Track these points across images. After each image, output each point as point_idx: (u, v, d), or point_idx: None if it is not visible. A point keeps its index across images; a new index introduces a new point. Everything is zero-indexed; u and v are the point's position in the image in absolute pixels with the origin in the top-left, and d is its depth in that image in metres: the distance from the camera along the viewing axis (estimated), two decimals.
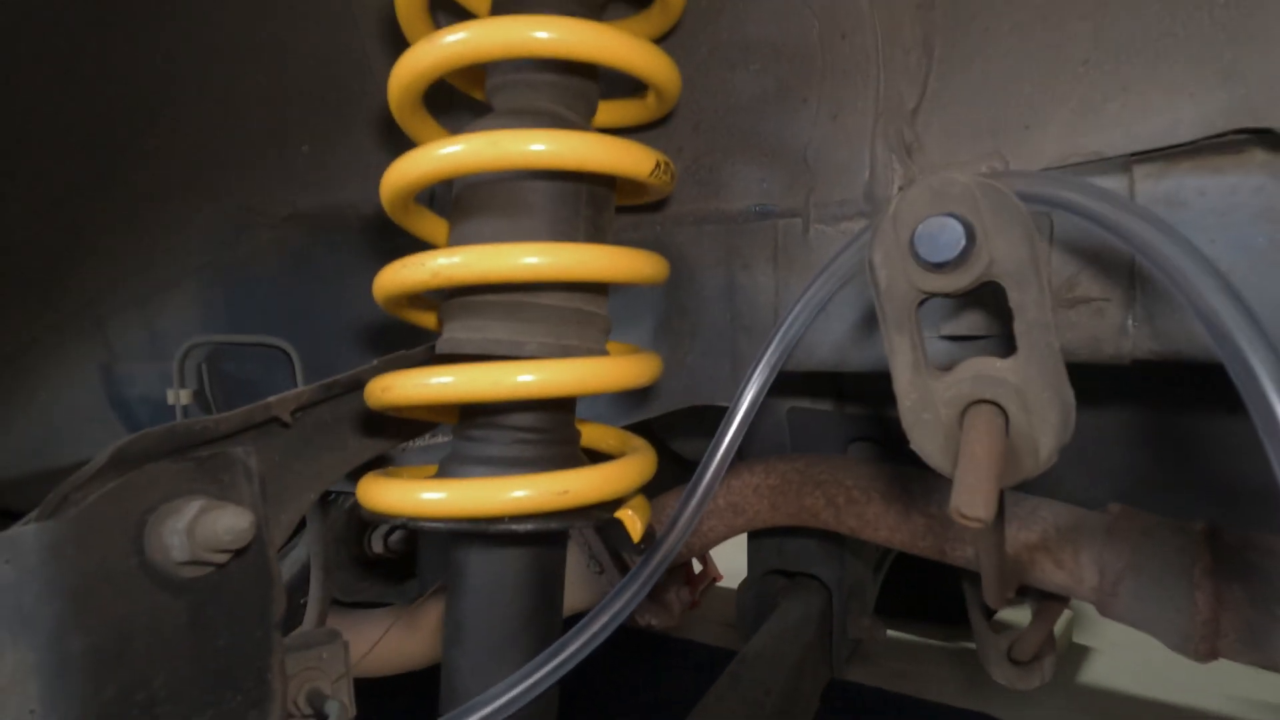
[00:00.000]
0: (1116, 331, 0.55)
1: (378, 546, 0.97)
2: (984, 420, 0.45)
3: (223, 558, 0.50)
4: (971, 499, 0.41)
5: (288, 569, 0.92)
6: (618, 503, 0.57)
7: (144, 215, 0.95)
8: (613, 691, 2.21)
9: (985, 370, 0.46)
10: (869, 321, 0.69)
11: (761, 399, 0.58)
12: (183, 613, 0.50)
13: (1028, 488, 0.85)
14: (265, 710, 0.53)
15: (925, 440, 0.48)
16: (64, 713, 0.45)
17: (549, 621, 0.57)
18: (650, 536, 0.60)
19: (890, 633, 2.64)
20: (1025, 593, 0.86)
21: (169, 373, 0.91)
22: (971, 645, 0.92)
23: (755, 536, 1.17)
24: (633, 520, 0.56)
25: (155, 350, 0.95)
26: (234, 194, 0.93)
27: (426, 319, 0.65)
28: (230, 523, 0.49)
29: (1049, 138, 0.56)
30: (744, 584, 1.19)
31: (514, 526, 0.50)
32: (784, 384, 1.03)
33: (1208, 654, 0.68)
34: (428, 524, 0.51)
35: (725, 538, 0.99)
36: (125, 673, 0.47)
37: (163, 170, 0.93)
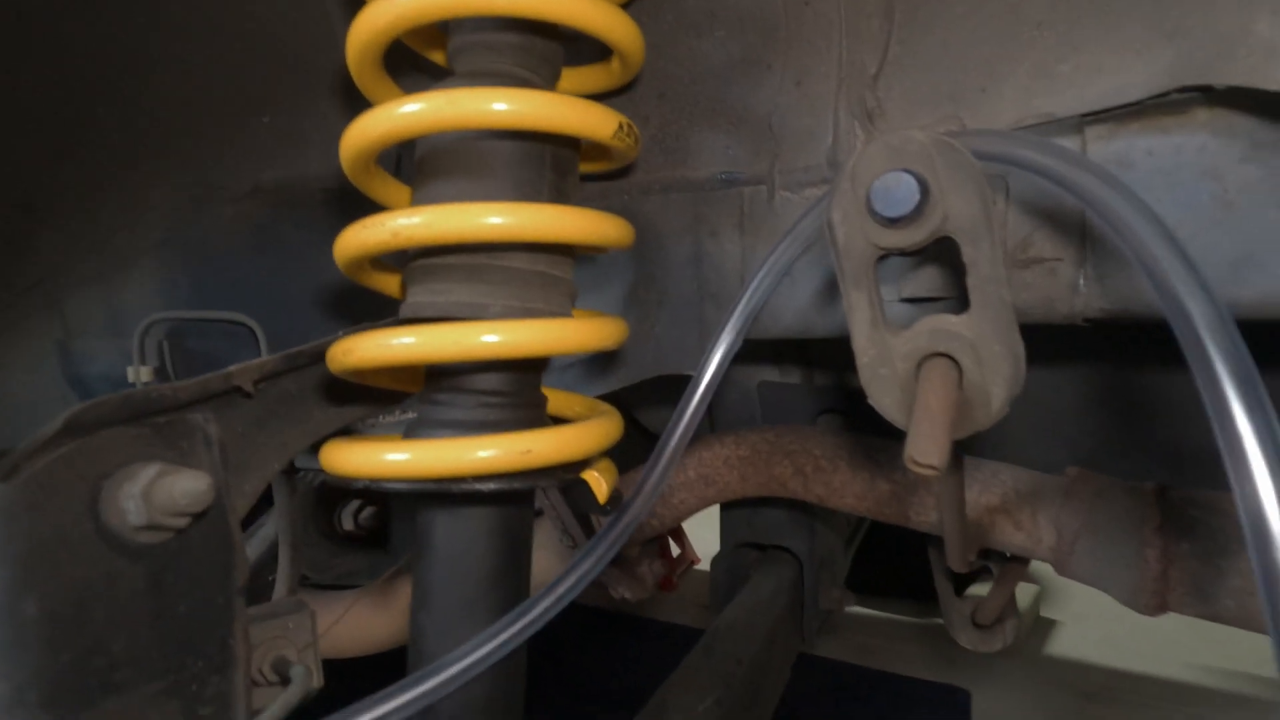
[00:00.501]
0: (1069, 290, 0.56)
1: (348, 524, 0.96)
2: (938, 373, 0.46)
3: (181, 522, 0.50)
4: (925, 447, 0.42)
5: (256, 546, 0.91)
6: (584, 465, 0.58)
7: (100, 190, 0.92)
8: (591, 673, 2.23)
9: (940, 325, 0.47)
10: (832, 288, 0.70)
11: (729, 362, 0.59)
12: (141, 579, 0.50)
13: (990, 453, 0.87)
14: (228, 676, 0.52)
15: (882, 395, 0.49)
16: (19, 678, 0.44)
17: (516, 585, 0.58)
18: (617, 499, 0.60)
19: (862, 610, 2.69)
20: (988, 556, 0.88)
21: (129, 350, 0.89)
22: (942, 621, 0.94)
23: (727, 510, 1.19)
24: (598, 481, 0.56)
25: (115, 327, 0.93)
26: (194, 168, 0.91)
27: (389, 284, 0.65)
28: (188, 486, 0.48)
29: (1005, 101, 0.57)
30: (716, 558, 1.20)
31: (478, 486, 0.50)
32: (754, 357, 1.05)
33: (1158, 608, 0.71)
34: (391, 485, 0.51)
35: (697, 509, 1.00)
36: (82, 638, 0.46)
37: (119, 143, 0.91)
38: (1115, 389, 0.87)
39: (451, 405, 0.56)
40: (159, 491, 0.48)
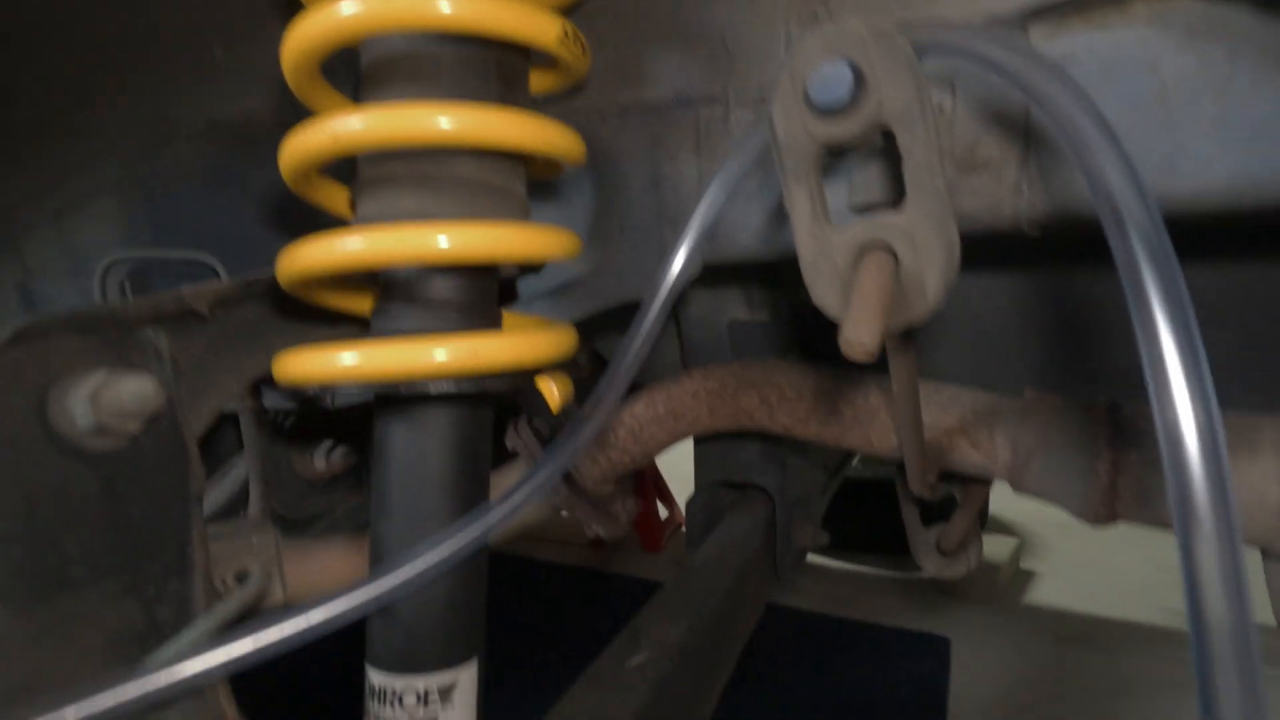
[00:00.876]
0: (1012, 193, 0.57)
1: (320, 463, 0.97)
2: (874, 262, 0.47)
3: (132, 425, 0.50)
4: (857, 327, 0.43)
5: (229, 486, 0.91)
6: (535, 374, 0.58)
7: (53, 128, 0.91)
8: (576, 629, 2.26)
9: (878, 217, 0.48)
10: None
11: (686, 277, 0.59)
12: (94, 483, 0.50)
13: (952, 380, 0.88)
14: (187, 580, 0.53)
15: (822, 289, 0.50)
16: None
17: (473, 492, 0.58)
18: (572, 415, 0.61)
19: (844, 564, 2.74)
20: (950, 480, 0.90)
21: (91, 291, 0.88)
22: (921, 573, 0.96)
23: (701, 448, 1.20)
24: (549, 389, 0.57)
25: (75, 268, 0.93)
26: (148, 104, 0.90)
27: (340, 202, 0.64)
28: (135, 388, 0.49)
29: (951, 3, 0.57)
30: (692, 498, 1.22)
31: (428, 388, 0.51)
32: (721, 283, 1.05)
33: (1107, 516, 0.73)
34: (342, 388, 0.52)
35: (667, 444, 1.01)
36: (34, 536, 0.47)
37: (70, 79, 0.89)
38: (1079, 314, 0.88)
39: (402, 315, 0.56)
40: (106, 394, 0.49)
